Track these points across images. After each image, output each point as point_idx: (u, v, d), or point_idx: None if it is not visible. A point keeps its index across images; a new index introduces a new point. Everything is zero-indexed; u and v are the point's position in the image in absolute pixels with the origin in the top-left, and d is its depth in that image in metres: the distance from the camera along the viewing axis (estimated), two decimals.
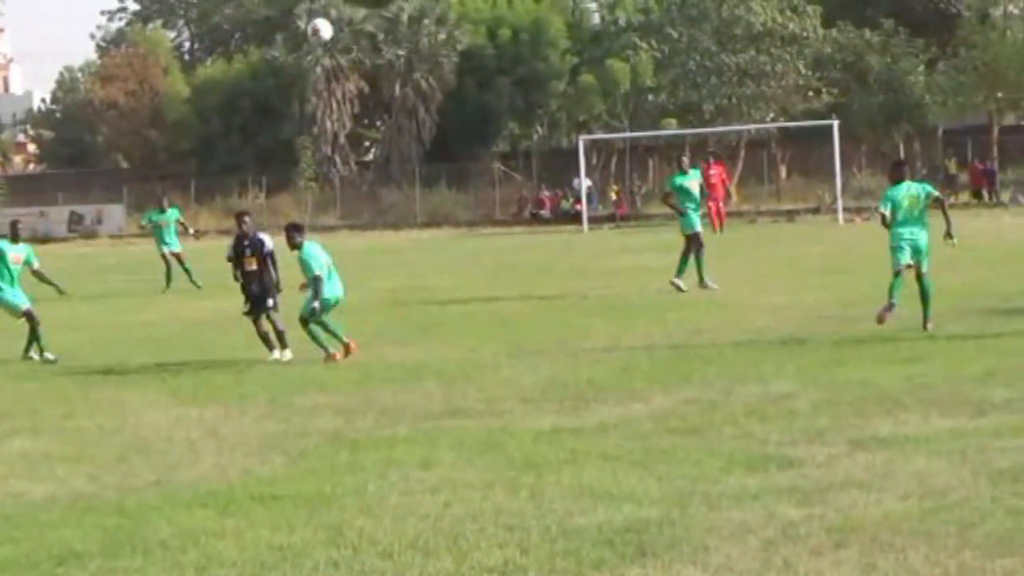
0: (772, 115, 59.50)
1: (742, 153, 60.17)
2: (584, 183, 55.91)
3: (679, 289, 22.52)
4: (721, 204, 41.01)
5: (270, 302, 17.15)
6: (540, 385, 13.77)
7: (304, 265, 16.46)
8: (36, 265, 18.72)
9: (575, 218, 54.39)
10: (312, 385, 14.56)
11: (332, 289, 16.61)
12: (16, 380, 16.41)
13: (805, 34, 58.74)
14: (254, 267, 17.36)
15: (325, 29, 36.02)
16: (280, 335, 16.98)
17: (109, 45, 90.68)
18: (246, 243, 17.54)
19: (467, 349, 16.95)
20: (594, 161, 62.61)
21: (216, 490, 9.72)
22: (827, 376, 13.38)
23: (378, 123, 75.16)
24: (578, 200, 56.35)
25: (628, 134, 61.38)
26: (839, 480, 9.08)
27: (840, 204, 48.45)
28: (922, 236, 16.60)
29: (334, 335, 16.61)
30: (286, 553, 7.99)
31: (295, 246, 16.49)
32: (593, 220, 53.54)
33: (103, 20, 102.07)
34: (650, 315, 19.69)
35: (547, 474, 9.62)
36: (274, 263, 17.52)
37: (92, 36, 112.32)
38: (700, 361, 14.84)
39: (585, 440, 10.83)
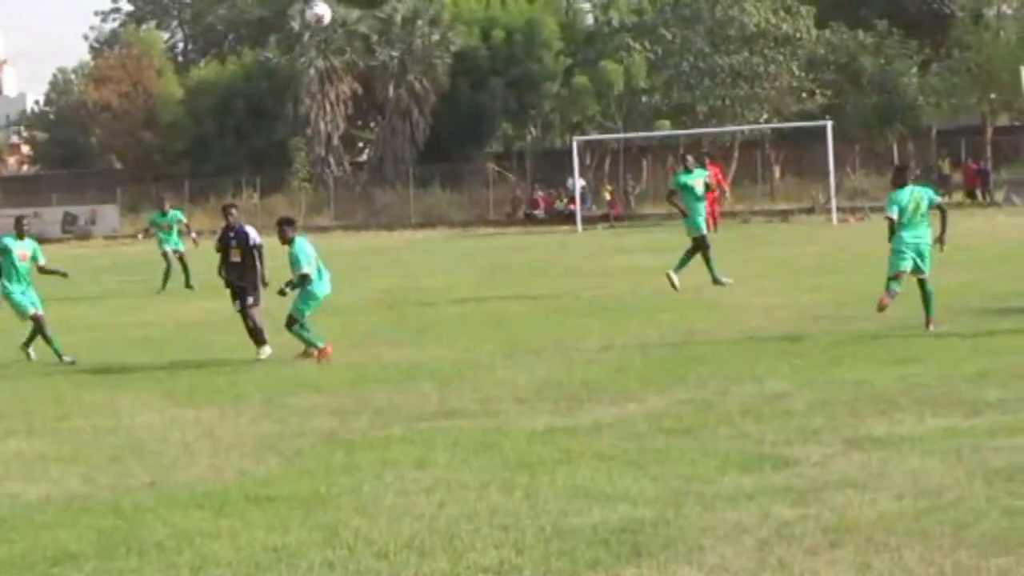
0: (766, 116, 59.50)
1: (736, 154, 60.17)
2: (578, 183, 55.92)
3: (672, 284, 22.50)
4: (715, 204, 40.99)
5: (250, 300, 17.19)
6: (535, 385, 13.78)
7: (294, 260, 16.54)
8: (43, 261, 18.66)
9: (569, 218, 54.40)
10: (307, 386, 14.56)
11: (321, 286, 16.72)
12: (11, 381, 16.41)
13: (798, 35, 58.75)
14: (238, 259, 17.48)
15: (326, 13, 35.88)
16: (258, 332, 17.02)
17: (103, 46, 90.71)
18: (231, 235, 17.66)
19: (462, 349, 16.95)
20: (588, 161, 62.60)
21: (211, 491, 9.71)
22: (822, 376, 13.39)
23: (372, 124, 75.17)
24: (572, 200, 56.36)
25: (622, 135, 61.39)
26: (834, 480, 9.09)
27: (834, 204, 48.53)
28: (925, 240, 16.69)
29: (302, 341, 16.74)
30: (281, 554, 7.99)
31: (286, 241, 16.60)
32: (587, 220, 53.57)
33: (96, 21, 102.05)
34: (644, 315, 19.70)
35: (542, 474, 9.62)
36: (260, 257, 17.54)
37: (85, 37, 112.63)
38: (695, 361, 14.85)
39: (580, 440, 10.84)
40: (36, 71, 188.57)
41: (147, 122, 73.48)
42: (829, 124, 49.48)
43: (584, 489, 9.15)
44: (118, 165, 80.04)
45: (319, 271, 16.73)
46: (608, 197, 58.66)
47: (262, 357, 16.81)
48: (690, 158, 25.63)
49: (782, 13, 58.91)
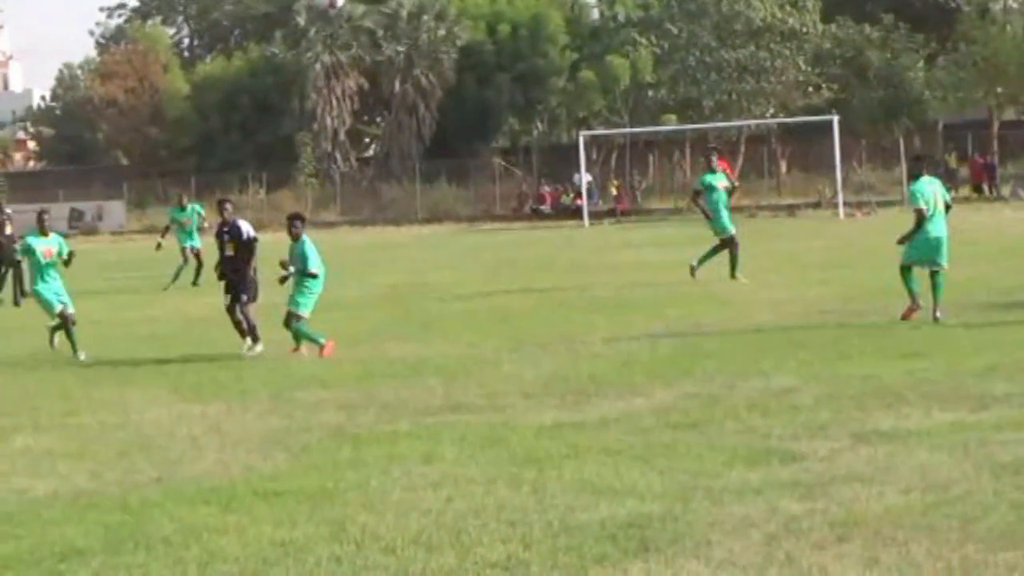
0: (772, 111, 59.45)
1: (742, 148, 60.12)
2: (584, 178, 55.92)
3: (692, 274, 22.99)
4: None
5: (244, 297, 17.27)
6: (541, 380, 13.77)
7: (303, 258, 16.63)
8: (65, 254, 18.50)
9: (575, 213, 54.38)
10: (314, 381, 14.55)
11: (319, 284, 16.95)
12: (18, 377, 16.41)
13: (805, 29, 58.69)
14: (231, 253, 17.66)
15: None
16: (252, 329, 17.07)
17: (109, 42, 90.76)
18: (225, 229, 17.85)
19: (468, 344, 16.95)
20: (594, 156, 62.58)
21: (218, 486, 9.71)
22: (829, 370, 13.38)
23: (378, 119, 75.18)
24: (578, 195, 56.35)
25: (628, 130, 61.34)
26: (841, 474, 9.08)
27: (840, 199, 48.49)
28: (944, 233, 16.98)
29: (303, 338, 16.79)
30: (288, 549, 7.99)
31: (295, 236, 16.71)
32: (593, 215, 53.56)
33: (102, 17, 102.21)
34: (651, 310, 19.69)
35: (549, 469, 9.62)
36: (253, 251, 17.60)
37: (91, 33, 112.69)
38: (701, 356, 14.84)
39: (586, 435, 10.83)
40: (42, 67, 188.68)
41: (153, 118, 73.53)
42: (835, 118, 49.48)
43: (591, 484, 9.14)
44: (124, 161, 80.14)
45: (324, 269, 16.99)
46: (614, 192, 58.63)
47: (249, 353, 16.80)
48: (713, 157, 25.64)
49: (788, 7, 58.86)
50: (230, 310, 17.46)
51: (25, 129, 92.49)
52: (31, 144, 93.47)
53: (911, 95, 58.01)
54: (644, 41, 61.39)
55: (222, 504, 9.13)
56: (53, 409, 13.61)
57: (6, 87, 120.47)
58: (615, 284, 24.40)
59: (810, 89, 59.15)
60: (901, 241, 17.18)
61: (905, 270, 16.91)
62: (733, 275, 23.17)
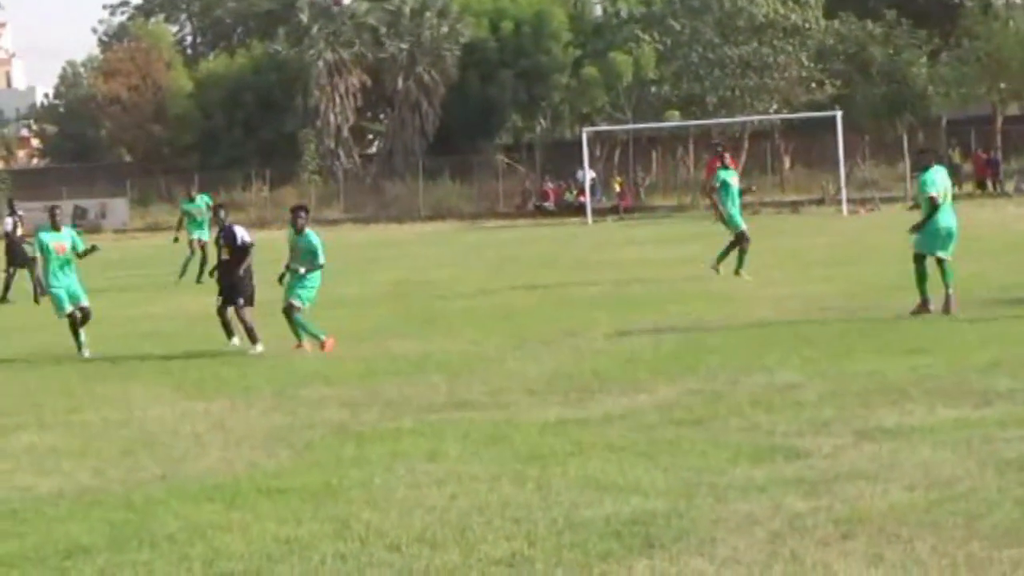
0: (775, 107, 59.38)
1: (745, 144, 60.05)
2: (588, 175, 55.89)
3: (716, 272, 23.25)
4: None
5: (240, 301, 17.34)
6: (545, 377, 13.77)
7: (312, 251, 16.79)
8: (80, 249, 18.51)
9: (579, 210, 54.35)
10: (317, 378, 14.56)
11: (319, 277, 17.06)
12: (21, 374, 16.42)
13: (808, 25, 58.61)
14: (226, 256, 17.83)
15: None
16: (250, 332, 17.11)
17: (111, 40, 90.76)
18: (221, 234, 18.06)
19: (471, 341, 16.95)
20: (597, 153, 62.52)
21: (222, 483, 9.72)
22: (833, 367, 13.37)
23: (381, 116, 75.19)
24: (582, 192, 56.33)
25: (631, 126, 61.29)
26: (845, 471, 9.08)
27: (844, 195, 48.46)
28: (955, 223, 17.18)
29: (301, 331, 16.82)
30: (293, 546, 7.99)
31: (300, 229, 16.82)
32: (597, 212, 53.50)
33: (105, 15, 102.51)
34: (654, 306, 19.68)
35: (553, 466, 9.61)
36: (245, 254, 17.64)
37: (94, 31, 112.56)
38: (705, 352, 14.84)
39: (590, 432, 10.83)
40: (45, 65, 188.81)
41: (156, 115, 73.53)
42: (839, 114, 49.42)
43: (595, 481, 9.14)
44: (127, 158, 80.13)
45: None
46: (618, 189, 58.56)
47: (254, 353, 16.81)
48: (727, 154, 25.99)
49: (791, 3, 58.77)
50: (220, 311, 17.66)
51: (28, 127, 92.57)
52: (35, 142, 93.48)
53: (914, 91, 57.90)
54: (647, 37, 61.31)
55: (226, 501, 9.13)
56: (56, 406, 13.62)
57: (9, 85, 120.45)
58: (618, 281, 24.40)
59: (813, 85, 59.06)
60: (914, 229, 17.24)
61: (918, 260, 17.00)
62: (737, 271, 23.21)
